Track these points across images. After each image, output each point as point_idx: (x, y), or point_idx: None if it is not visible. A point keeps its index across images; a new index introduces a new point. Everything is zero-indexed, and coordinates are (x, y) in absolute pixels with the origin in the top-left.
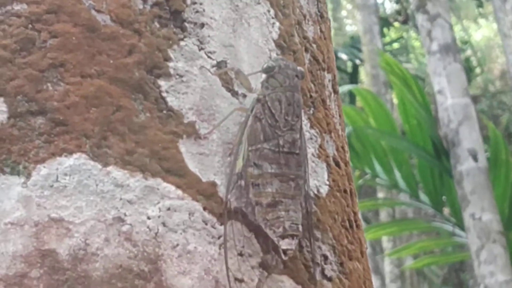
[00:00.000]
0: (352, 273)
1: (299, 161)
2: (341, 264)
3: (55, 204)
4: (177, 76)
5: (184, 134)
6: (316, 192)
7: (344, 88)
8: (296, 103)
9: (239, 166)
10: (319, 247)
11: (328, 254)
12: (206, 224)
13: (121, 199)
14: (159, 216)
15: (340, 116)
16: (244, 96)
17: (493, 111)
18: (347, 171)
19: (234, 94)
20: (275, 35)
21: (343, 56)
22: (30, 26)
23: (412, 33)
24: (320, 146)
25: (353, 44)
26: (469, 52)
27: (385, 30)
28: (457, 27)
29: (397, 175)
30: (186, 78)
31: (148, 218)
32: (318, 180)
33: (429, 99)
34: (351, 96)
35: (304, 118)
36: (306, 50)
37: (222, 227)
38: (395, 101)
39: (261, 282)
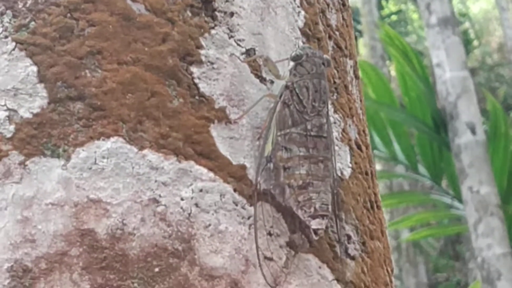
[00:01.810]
0: (373, 252)
1: (326, 144)
2: (363, 243)
3: (93, 186)
4: (208, 63)
5: (215, 119)
6: (339, 174)
7: None
8: (322, 90)
9: (268, 150)
10: (343, 227)
11: (351, 233)
12: (237, 205)
13: (156, 181)
14: (192, 198)
15: (361, 100)
16: (272, 82)
17: (491, 83)
18: (368, 153)
19: (263, 80)
20: (300, 23)
21: None
22: (68, 15)
23: (411, 6)
24: (343, 130)
25: (352, 16)
26: (467, 24)
27: (383, 2)
28: (456, 0)
29: (396, 147)
30: (217, 65)
31: (182, 199)
32: (342, 162)
33: (428, 72)
34: None
35: (329, 103)
36: (330, 37)
37: (251, 208)
38: (393, 73)
39: (289, 260)
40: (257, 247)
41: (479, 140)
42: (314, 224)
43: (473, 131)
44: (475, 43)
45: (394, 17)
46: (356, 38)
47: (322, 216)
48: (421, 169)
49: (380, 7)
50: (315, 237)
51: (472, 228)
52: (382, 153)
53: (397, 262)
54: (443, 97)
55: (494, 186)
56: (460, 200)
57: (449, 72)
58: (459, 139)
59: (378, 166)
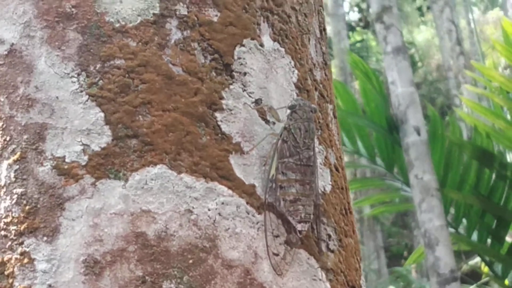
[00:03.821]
0: (347, 246)
1: (312, 171)
2: (340, 240)
3: (145, 200)
4: (228, 110)
5: (233, 150)
6: (323, 190)
7: None
8: (311, 130)
9: (271, 173)
10: (325, 229)
11: (331, 233)
12: (248, 213)
13: (190, 196)
14: (216, 208)
15: (338, 134)
16: (274, 124)
17: (431, 95)
18: (343, 173)
19: (267, 122)
20: (294, 79)
21: None
22: (127, 75)
23: (370, 36)
24: (326, 157)
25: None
26: (413, 50)
27: (350, 33)
28: (404, 31)
29: (359, 144)
30: (234, 111)
31: (209, 209)
32: (324, 181)
33: (384, 88)
34: None
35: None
36: (316, 89)
37: (260, 216)
38: (356, 87)
39: (287, 254)
40: (267, 245)
41: (422, 140)
42: (299, 227)
43: (418, 133)
44: (419, 64)
45: (358, 45)
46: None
47: (305, 222)
48: (378, 161)
49: (348, 37)
50: (300, 235)
51: (417, 206)
52: (349, 149)
53: (360, 230)
54: (395, 106)
55: (434, 174)
56: (408, 185)
57: (400, 88)
58: (408, 138)
59: (346, 158)
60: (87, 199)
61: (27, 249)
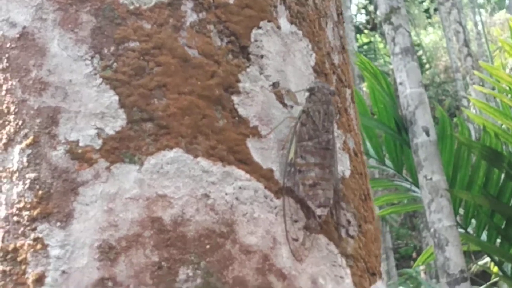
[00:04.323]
0: (367, 232)
1: (332, 154)
2: (360, 226)
3: (160, 185)
4: (245, 93)
5: (250, 134)
6: (342, 175)
7: None
8: (330, 113)
9: (290, 157)
10: (345, 214)
11: (351, 219)
12: (266, 198)
13: (207, 181)
14: (233, 193)
15: (356, 119)
16: (292, 107)
17: (439, 97)
18: (362, 159)
19: (285, 106)
20: (312, 63)
21: None
22: (141, 57)
23: (378, 38)
24: (344, 142)
25: None
26: (420, 52)
27: (357, 36)
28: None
29: (368, 145)
30: (251, 94)
31: (226, 194)
32: (343, 166)
33: (393, 89)
34: None
35: (334, 123)
36: (334, 73)
37: (278, 201)
38: (365, 89)
39: (306, 239)
40: (286, 230)
41: (431, 140)
42: (319, 211)
43: (427, 133)
44: (427, 66)
45: (366, 47)
46: None
47: (325, 206)
48: (387, 162)
49: (355, 40)
50: (319, 220)
51: (427, 206)
52: None
53: None
54: (404, 107)
55: (443, 175)
56: (417, 186)
57: (409, 89)
58: (417, 139)
59: None
60: (101, 183)
61: (40, 235)
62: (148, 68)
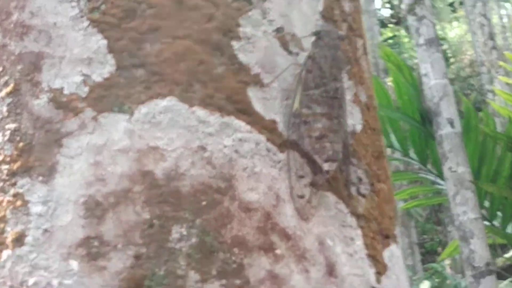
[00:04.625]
0: (380, 192)
1: (340, 104)
2: (372, 185)
3: (152, 136)
4: (246, 38)
5: (251, 82)
6: (353, 129)
7: None
8: (338, 59)
9: (295, 107)
10: (355, 171)
11: (362, 176)
12: (269, 151)
13: (203, 132)
14: (232, 145)
15: (369, 72)
16: (297, 54)
17: (464, 91)
18: (375, 114)
19: (290, 52)
20: (320, 8)
21: None
22: None
23: (402, 32)
24: (355, 94)
25: None
26: (445, 46)
27: (382, 30)
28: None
29: (393, 138)
30: (253, 40)
31: (224, 146)
32: (354, 120)
33: (417, 81)
34: None
35: (343, 72)
36: (344, 20)
37: (281, 154)
38: (390, 83)
39: (312, 196)
40: (291, 186)
41: (456, 132)
42: (326, 166)
43: (452, 125)
44: (452, 60)
45: (390, 41)
46: None
47: (333, 161)
48: (412, 154)
49: (380, 34)
50: (326, 176)
51: (451, 199)
52: None
53: None
54: (428, 99)
55: (468, 167)
56: (442, 178)
57: (433, 80)
58: (441, 131)
59: None
60: (87, 134)
61: (21, 190)
62: (140, 10)
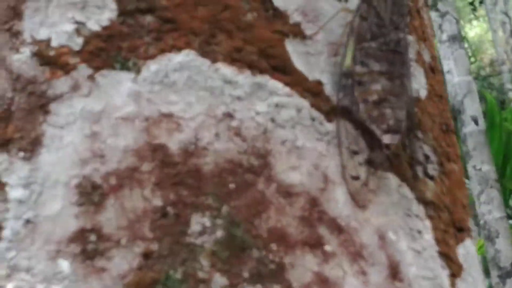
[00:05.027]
0: (451, 173)
1: (404, 60)
2: (441, 164)
3: (165, 100)
4: None
5: (290, 33)
6: (416, 94)
7: None
8: (400, 2)
9: (346, 65)
10: (421, 147)
11: (429, 154)
12: (314, 120)
13: (230, 95)
14: (267, 112)
15: (431, 28)
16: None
17: (484, 90)
18: (440, 78)
19: None
20: None
21: None
22: None
23: None
24: (418, 52)
25: None
26: (465, 45)
27: None
28: None
29: None
30: None
31: (257, 114)
32: (418, 83)
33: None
34: None
35: (406, 19)
36: None
37: (329, 124)
38: None
39: (369, 178)
40: (343, 166)
41: (480, 130)
42: (386, 139)
43: (476, 123)
44: (472, 59)
45: None
46: None
47: (395, 132)
48: None
49: None
50: (387, 152)
51: (476, 198)
52: None
53: None
54: (452, 96)
55: (492, 165)
56: (466, 176)
57: (457, 77)
58: (465, 128)
59: None
60: (82, 98)
61: None
62: None
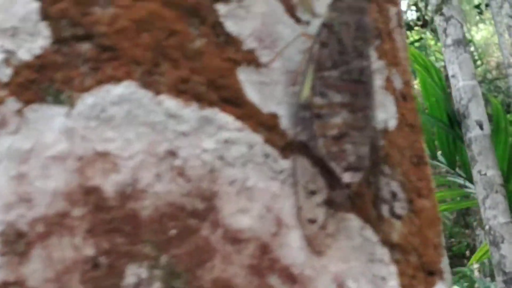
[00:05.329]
0: (422, 211)
1: (367, 90)
2: (411, 201)
3: (101, 137)
4: (236, 0)
5: (243, 61)
6: (384, 125)
7: None
8: (365, 28)
9: (304, 96)
10: (388, 184)
11: (397, 191)
12: (267, 157)
13: (174, 130)
14: (215, 149)
15: (405, 50)
16: (308, 22)
17: (491, 93)
18: (413, 106)
19: (298, 20)
20: None
21: None
22: None
23: (429, 35)
24: (387, 79)
25: None
26: (471, 48)
27: (408, 33)
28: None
29: None
30: (246, 3)
31: (204, 151)
32: (386, 113)
33: (445, 82)
34: None
35: (371, 46)
36: None
37: (284, 161)
38: (417, 86)
39: (328, 220)
40: (299, 207)
41: (485, 134)
42: (346, 177)
43: (481, 127)
44: (478, 62)
45: (417, 44)
46: None
47: (357, 170)
48: (440, 157)
49: (407, 36)
50: (348, 192)
51: (481, 203)
52: None
53: None
54: (457, 101)
55: (498, 170)
56: (471, 181)
57: (461, 81)
58: (470, 133)
59: None
60: (9, 135)
61: None
62: None
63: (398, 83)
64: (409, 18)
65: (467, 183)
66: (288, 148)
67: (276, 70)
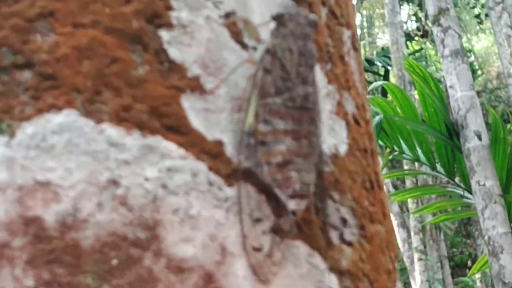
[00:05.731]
0: (374, 236)
1: (312, 117)
2: (362, 227)
3: (42, 166)
4: (181, 27)
5: (187, 88)
6: (334, 151)
7: (376, 84)
8: (309, 53)
9: (248, 123)
10: (337, 210)
11: (347, 217)
12: (212, 185)
13: (116, 159)
14: (158, 178)
15: (360, 73)
16: (254, 48)
17: (491, 103)
18: (368, 129)
19: (244, 47)
20: None
21: (378, 63)
22: None
23: (429, 45)
24: (339, 103)
25: (384, 54)
26: (472, 58)
27: (408, 43)
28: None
29: (419, 151)
30: (190, 29)
31: (146, 179)
32: (336, 138)
33: (443, 93)
34: (383, 90)
35: (321, 73)
36: (323, 4)
37: (229, 189)
38: (416, 96)
39: (274, 248)
40: (244, 235)
41: (484, 145)
42: (292, 204)
43: (480, 138)
44: (479, 72)
45: (417, 54)
46: (387, 70)
47: (302, 197)
48: (439, 168)
49: (406, 47)
50: (294, 219)
51: (480, 213)
52: (408, 156)
53: (423, 240)
54: (455, 111)
55: (496, 180)
56: (470, 192)
57: (459, 92)
58: (469, 144)
59: (405, 166)
60: None
61: None
62: None
63: (350, 107)
64: (409, 28)
65: (466, 194)
66: (233, 175)
67: (221, 97)
